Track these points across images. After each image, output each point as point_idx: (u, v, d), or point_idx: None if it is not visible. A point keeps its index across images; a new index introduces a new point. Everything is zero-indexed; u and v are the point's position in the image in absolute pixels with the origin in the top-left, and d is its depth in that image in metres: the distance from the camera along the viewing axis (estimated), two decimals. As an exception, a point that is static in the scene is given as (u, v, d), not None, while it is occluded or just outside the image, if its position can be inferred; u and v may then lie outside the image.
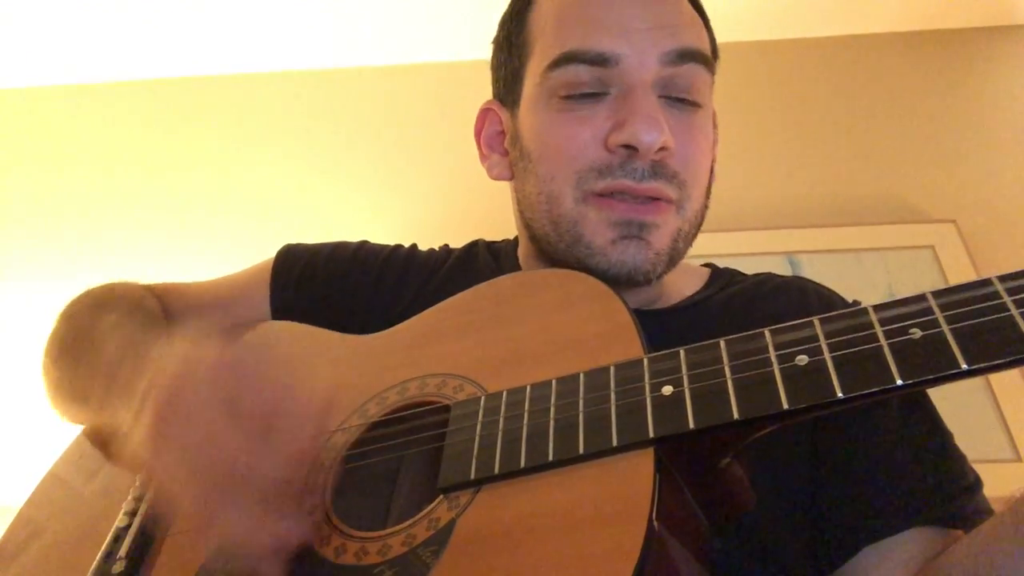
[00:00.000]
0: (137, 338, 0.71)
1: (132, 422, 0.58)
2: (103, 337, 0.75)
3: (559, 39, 0.76)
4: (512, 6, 0.86)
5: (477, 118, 0.89)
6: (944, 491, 0.68)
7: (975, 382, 1.60)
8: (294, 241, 0.97)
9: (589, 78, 0.74)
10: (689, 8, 0.80)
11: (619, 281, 0.73)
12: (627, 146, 0.72)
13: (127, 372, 0.65)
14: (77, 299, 0.88)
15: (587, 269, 0.73)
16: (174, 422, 0.55)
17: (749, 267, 0.92)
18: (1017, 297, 0.46)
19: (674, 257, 0.78)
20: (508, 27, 0.85)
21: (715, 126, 0.85)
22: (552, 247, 0.78)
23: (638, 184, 0.73)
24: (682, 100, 0.76)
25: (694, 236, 0.81)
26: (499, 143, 0.86)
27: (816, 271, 1.81)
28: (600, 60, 0.73)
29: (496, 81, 0.87)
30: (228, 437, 0.54)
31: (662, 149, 0.73)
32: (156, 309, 0.87)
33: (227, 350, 0.58)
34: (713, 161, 0.84)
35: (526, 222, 0.82)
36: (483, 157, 0.89)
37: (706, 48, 0.78)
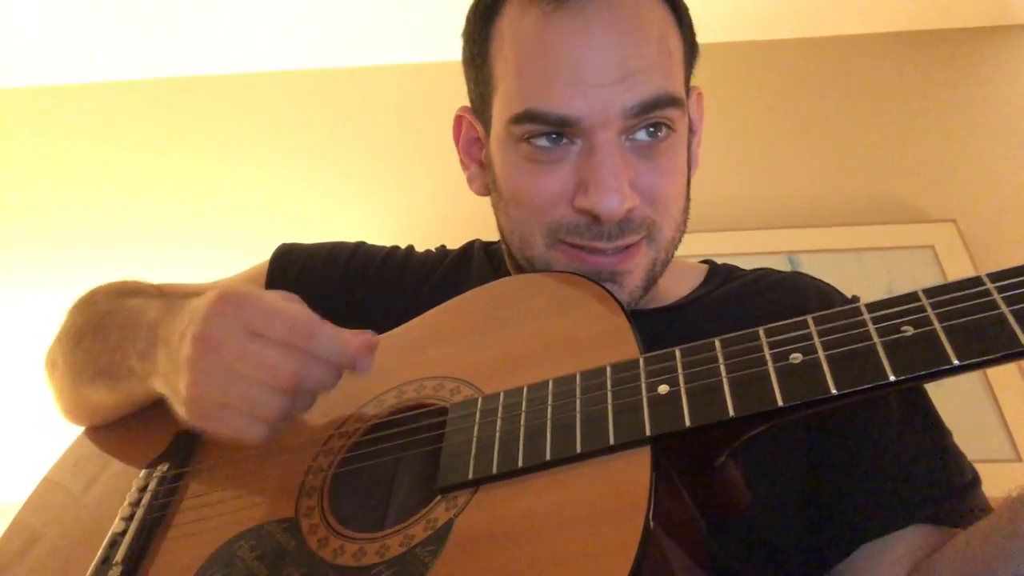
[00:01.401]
0: (175, 302, 0.72)
1: (178, 345, 0.63)
2: (140, 309, 0.75)
3: (520, 92, 0.72)
4: (473, 24, 0.80)
5: (454, 124, 0.88)
6: (943, 488, 0.69)
7: (975, 382, 1.60)
8: (292, 240, 0.97)
9: (551, 131, 0.72)
10: (656, 34, 0.73)
11: None
12: (591, 212, 0.71)
13: (170, 322, 0.67)
14: (90, 293, 0.88)
15: None
16: (211, 344, 0.60)
17: (749, 266, 0.92)
18: (1006, 295, 0.46)
19: (652, 281, 0.77)
20: (472, 50, 0.81)
21: (693, 133, 0.82)
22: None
23: (608, 243, 0.72)
24: (652, 131, 0.73)
25: (673, 251, 0.80)
26: (477, 152, 0.85)
27: (816, 271, 1.80)
28: (560, 122, 0.71)
29: (469, 91, 0.85)
30: (260, 350, 0.60)
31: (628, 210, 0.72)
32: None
33: (243, 288, 0.64)
34: (691, 169, 0.82)
35: (505, 241, 0.83)
36: (464, 166, 0.88)
37: (674, 87, 0.73)
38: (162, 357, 0.66)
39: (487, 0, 0.78)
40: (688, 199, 0.80)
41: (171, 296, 0.81)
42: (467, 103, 0.85)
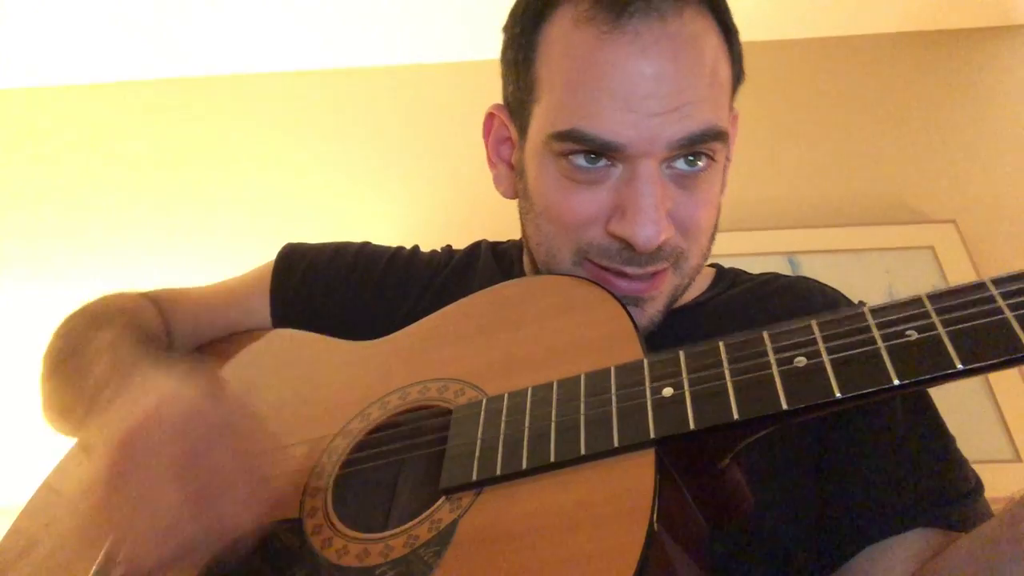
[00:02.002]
0: (127, 360, 0.70)
1: (91, 452, 0.58)
2: (94, 358, 0.74)
3: (566, 110, 0.71)
4: (519, 27, 0.78)
5: (485, 121, 0.86)
6: (947, 493, 0.69)
7: (975, 383, 1.60)
8: (296, 240, 0.96)
9: (594, 155, 0.71)
10: (709, 66, 0.71)
11: None
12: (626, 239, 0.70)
13: (108, 396, 0.65)
14: (73, 315, 0.87)
15: None
16: (126, 465, 0.54)
17: (750, 267, 0.92)
18: (1011, 301, 0.46)
19: (671, 307, 0.77)
20: (515, 51, 0.78)
21: (734, 123, 0.81)
22: None
23: (637, 269, 0.72)
24: (692, 161, 0.72)
25: (696, 275, 0.79)
26: (506, 151, 0.84)
27: (816, 271, 1.81)
28: (605, 147, 0.69)
29: (505, 88, 0.83)
30: (168, 494, 0.53)
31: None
32: (154, 320, 0.86)
33: (201, 399, 0.57)
34: (722, 193, 0.81)
35: (529, 247, 0.81)
36: (491, 164, 0.86)
37: (721, 120, 0.72)
38: (93, 432, 0.64)
39: (538, 4, 0.75)
40: (716, 227, 0.79)
41: (144, 330, 0.81)
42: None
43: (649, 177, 0.69)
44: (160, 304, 0.90)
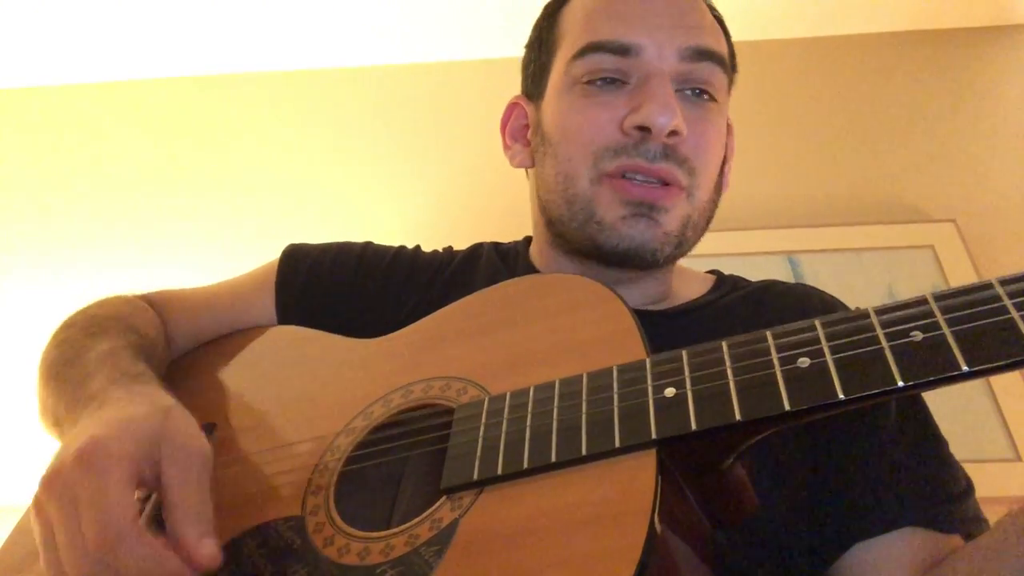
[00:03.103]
0: (121, 377, 0.69)
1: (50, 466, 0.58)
2: (91, 370, 0.73)
3: (586, 32, 0.81)
4: (546, 9, 0.91)
5: (504, 111, 0.94)
6: (937, 494, 0.69)
7: (975, 382, 1.60)
8: (298, 241, 0.96)
9: (611, 66, 0.79)
10: (711, 17, 0.85)
11: (628, 257, 0.77)
12: (641, 127, 0.76)
13: (85, 415, 0.65)
14: (69, 321, 0.86)
15: (597, 246, 0.78)
16: (58, 485, 0.55)
17: (750, 266, 0.93)
18: (1018, 300, 0.46)
19: (682, 243, 0.80)
20: (540, 27, 0.91)
21: (731, 133, 0.89)
22: (565, 227, 0.82)
23: (650, 164, 0.76)
24: (698, 93, 0.80)
25: (703, 229, 0.84)
26: (522, 135, 0.91)
27: (816, 271, 1.82)
28: (622, 50, 0.78)
29: (525, 79, 0.92)
30: (68, 529, 0.53)
31: (674, 133, 0.76)
32: (152, 323, 0.86)
33: (132, 443, 0.56)
34: (725, 163, 0.88)
35: (543, 205, 0.86)
36: (506, 147, 0.93)
37: (724, 52, 0.83)
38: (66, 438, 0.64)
39: None
40: (719, 188, 0.86)
41: (140, 336, 0.81)
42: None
43: (662, 78, 0.77)
44: (158, 306, 0.90)
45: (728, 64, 0.84)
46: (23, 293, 2.00)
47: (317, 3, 2.04)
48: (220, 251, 2.00)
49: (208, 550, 0.53)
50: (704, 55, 0.80)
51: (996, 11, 2.09)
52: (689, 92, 0.80)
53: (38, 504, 0.56)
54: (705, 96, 0.81)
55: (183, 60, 2.22)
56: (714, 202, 0.85)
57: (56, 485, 0.55)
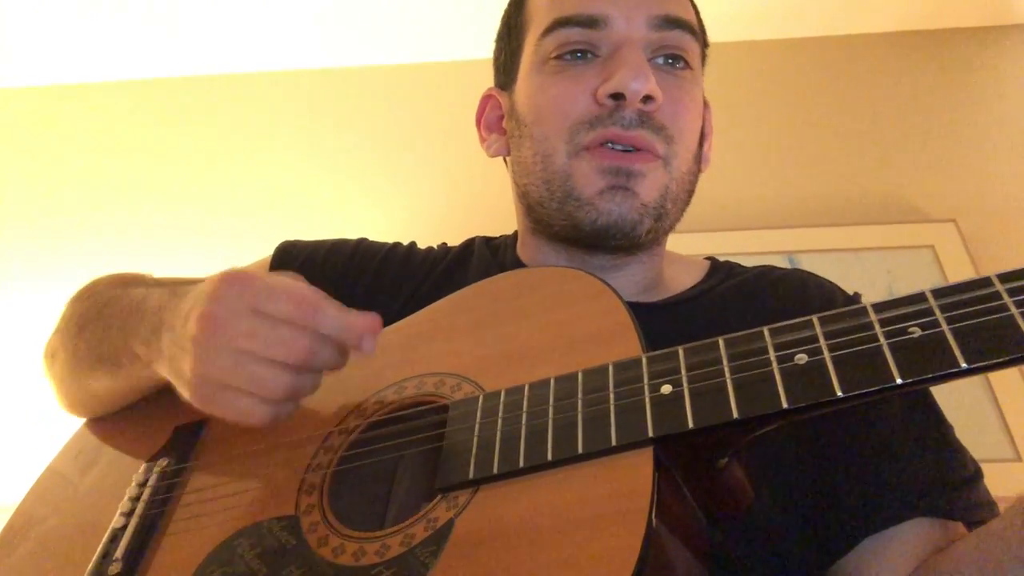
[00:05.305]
0: (180, 288, 0.71)
1: (181, 330, 0.62)
2: (142, 295, 0.75)
3: (552, 9, 0.80)
4: (506, 9, 0.91)
5: (478, 105, 0.93)
6: (945, 482, 0.69)
7: (975, 382, 1.60)
8: (293, 238, 0.96)
9: (580, 38, 0.78)
10: None
11: (608, 234, 0.77)
12: (615, 95, 0.75)
13: (174, 306, 0.67)
14: (91, 284, 0.88)
15: (576, 225, 0.78)
16: (216, 324, 0.59)
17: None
18: (1017, 297, 0.45)
19: (662, 216, 0.79)
20: (508, 15, 0.90)
21: (708, 108, 0.88)
22: (545, 209, 0.81)
23: (626, 131, 0.76)
24: (671, 61, 0.80)
25: (684, 202, 0.83)
26: (497, 125, 0.91)
27: (816, 270, 1.80)
28: (589, 22, 0.77)
29: (496, 70, 0.92)
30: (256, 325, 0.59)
31: (649, 99, 0.75)
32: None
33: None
34: (705, 139, 0.86)
35: (522, 191, 0.85)
36: (482, 139, 0.93)
37: (693, 21, 0.82)
38: (167, 341, 0.65)
39: None
40: (699, 159, 0.85)
41: (173, 284, 0.80)
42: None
43: (632, 46, 0.77)
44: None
45: (698, 33, 0.84)
46: (22, 293, 1.99)
47: (307, 4, 2.04)
48: (218, 249, 2.00)
49: (372, 316, 0.63)
50: (674, 23, 0.79)
51: (996, 11, 2.09)
52: (662, 60, 0.80)
53: (207, 347, 0.59)
54: (680, 64, 0.80)
55: (183, 60, 2.22)
56: (694, 174, 0.84)
57: (220, 313, 0.59)
